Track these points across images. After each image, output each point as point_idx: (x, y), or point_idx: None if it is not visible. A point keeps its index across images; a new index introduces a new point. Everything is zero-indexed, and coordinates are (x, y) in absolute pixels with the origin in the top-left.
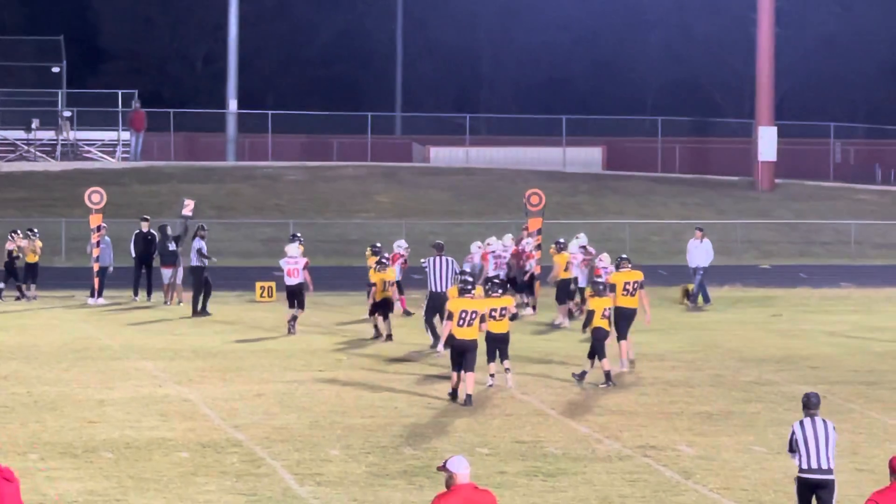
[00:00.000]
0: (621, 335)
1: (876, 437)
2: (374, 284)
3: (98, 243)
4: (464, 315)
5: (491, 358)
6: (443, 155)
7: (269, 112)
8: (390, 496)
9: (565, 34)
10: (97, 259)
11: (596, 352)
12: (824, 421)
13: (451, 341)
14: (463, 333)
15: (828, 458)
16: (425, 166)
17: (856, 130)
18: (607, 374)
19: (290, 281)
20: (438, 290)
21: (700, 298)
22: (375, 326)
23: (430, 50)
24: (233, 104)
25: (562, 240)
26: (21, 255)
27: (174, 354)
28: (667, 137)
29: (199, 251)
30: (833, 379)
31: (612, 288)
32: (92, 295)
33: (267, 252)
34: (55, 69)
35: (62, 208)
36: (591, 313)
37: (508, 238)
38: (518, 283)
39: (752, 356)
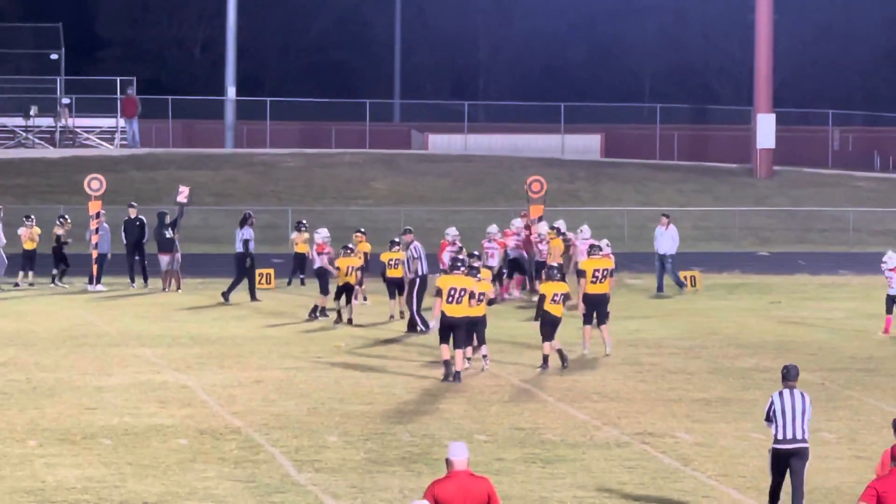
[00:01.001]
0: (601, 321)
1: (874, 424)
2: (339, 268)
3: (97, 230)
4: (452, 292)
5: (468, 342)
6: (441, 142)
7: (268, 99)
8: (388, 482)
9: (562, 21)
10: (96, 246)
11: (542, 335)
12: (802, 393)
13: (441, 319)
14: (452, 311)
15: (802, 430)
16: (423, 153)
17: (854, 117)
18: (545, 358)
19: (314, 265)
20: (427, 272)
21: (662, 285)
22: (338, 311)
23: (428, 37)
24: (231, 91)
25: (556, 224)
26: (70, 240)
27: (172, 341)
28: (665, 124)
29: (246, 242)
30: (831, 366)
31: (582, 273)
32: (90, 281)
33: (264, 239)
34: (53, 56)
35: (60, 195)
36: (542, 297)
37: (543, 226)
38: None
39: (750, 343)
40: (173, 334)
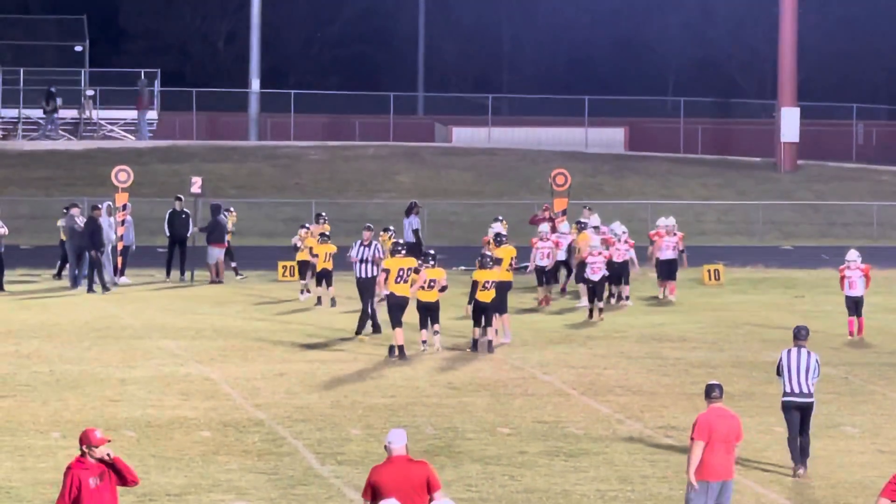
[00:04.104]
0: (504, 309)
1: None
2: (317, 255)
3: (123, 222)
4: (401, 272)
5: (423, 325)
6: (465, 135)
7: (292, 92)
8: None
9: (586, 14)
10: (122, 238)
11: (473, 320)
12: (809, 352)
13: (390, 299)
14: (402, 290)
15: (808, 385)
16: (447, 146)
17: (878, 112)
18: (474, 342)
19: None
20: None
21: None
22: (318, 297)
23: (452, 30)
24: (255, 83)
25: (582, 220)
26: (233, 231)
27: (196, 333)
28: (689, 118)
29: (416, 231)
30: (854, 360)
31: (498, 262)
32: (115, 274)
33: (288, 232)
34: (78, 48)
35: (84, 187)
36: (474, 284)
37: (618, 224)
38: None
39: (773, 337)
40: (197, 327)
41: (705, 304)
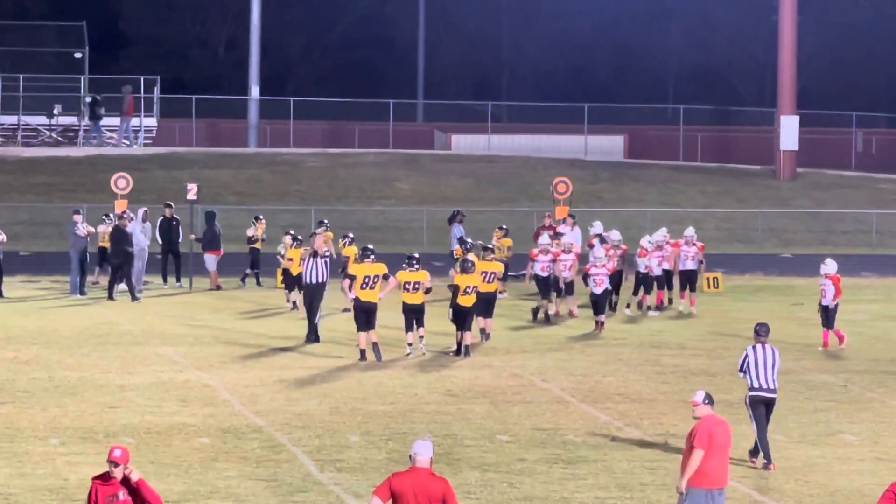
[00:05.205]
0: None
1: None
2: (292, 260)
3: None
4: (367, 279)
5: (408, 328)
6: (464, 142)
7: (291, 99)
8: None
9: (586, 21)
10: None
11: (456, 324)
12: (773, 348)
13: (357, 304)
14: (367, 296)
15: (773, 380)
16: (446, 153)
17: (878, 120)
18: (466, 347)
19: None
20: (312, 281)
21: None
22: (293, 301)
23: (452, 37)
24: (255, 90)
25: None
26: (264, 238)
27: (195, 340)
28: (688, 126)
29: (461, 238)
30: (853, 368)
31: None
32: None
33: None
34: (77, 55)
35: (83, 193)
36: (455, 288)
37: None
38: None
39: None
40: (196, 333)
41: (704, 312)
